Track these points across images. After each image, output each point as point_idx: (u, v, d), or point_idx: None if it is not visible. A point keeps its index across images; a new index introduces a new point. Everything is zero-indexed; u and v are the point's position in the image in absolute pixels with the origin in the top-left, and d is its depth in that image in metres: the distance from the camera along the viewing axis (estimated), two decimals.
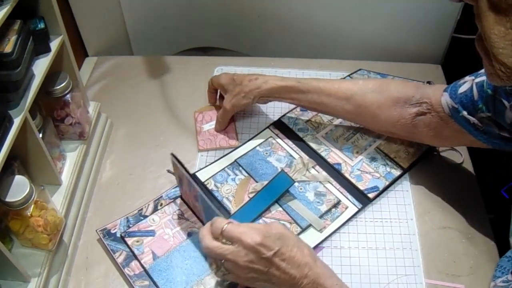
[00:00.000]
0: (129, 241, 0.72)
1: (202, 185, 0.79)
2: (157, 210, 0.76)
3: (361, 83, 0.77)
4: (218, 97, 0.92)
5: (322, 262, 0.60)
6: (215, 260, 0.61)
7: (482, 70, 0.67)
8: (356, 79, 0.79)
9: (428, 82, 0.96)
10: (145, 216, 0.75)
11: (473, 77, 0.68)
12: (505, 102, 0.61)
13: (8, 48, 0.56)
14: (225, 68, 1.01)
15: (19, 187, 0.59)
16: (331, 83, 0.78)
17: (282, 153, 0.84)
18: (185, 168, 0.68)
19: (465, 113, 0.67)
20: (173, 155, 0.70)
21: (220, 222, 0.60)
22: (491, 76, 0.48)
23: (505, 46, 0.44)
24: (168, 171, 0.80)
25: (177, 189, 0.79)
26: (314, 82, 0.79)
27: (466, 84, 0.68)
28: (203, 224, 0.74)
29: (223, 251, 0.58)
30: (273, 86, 0.80)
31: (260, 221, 0.74)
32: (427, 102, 0.72)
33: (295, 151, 0.84)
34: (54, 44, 0.68)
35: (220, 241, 0.59)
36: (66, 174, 0.74)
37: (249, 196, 0.77)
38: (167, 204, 0.77)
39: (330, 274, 0.59)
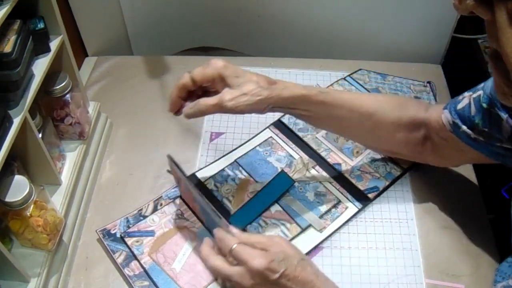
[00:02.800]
0: (129, 241, 0.72)
1: (201, 185, 0.79)
2: (157, 210, 0.76)
3: (382, 99, 0.72)
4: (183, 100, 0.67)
5: (324, 276, 0.61)
6: (223, 280, 0.62)
7: (480, 85, 0.66)
8: (375, 94, 0.72)
9: (428, 82, 0.96)
10: (145, 216, 0.75)
11: (471, 93, 0.67)
12: (502, 114, 0.60)
13: (7, 48, 0.56)
14: None
15: (19, 187, 0.59)
16: (354, 96, 0.70)
17: (282, 153, 0.84)
18: (181, 170, 0.68)
19: (464, 127, 0.65)
20: (169, 156, 0.69)
21: (230, 240, 0.61)
22: (504, 96, 0.44)
23: None
24: (168, 171, 0.80)
25: (177, 189, 0.79)
26: (337, 93, 0.69)
27: (465, 100, 0.67)
28: (203, 224, 0.74)
29: (230, 272, 0.59)
30: (295, 93, 0.65)
31: (260, 221, 0.74)
32: (429, 123, 0.71)
33: (295, 151, 0.84)
34: (54, 44, 0.67)
35: (227, 259, 0.60)
36: (66, 174, 0.74)
37: (249, 196, 0.77)
38: (167, 204, 0.77)
39: None
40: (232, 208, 0.76)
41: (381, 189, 0.79)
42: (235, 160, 0.83)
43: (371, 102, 0.70)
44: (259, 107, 0.64)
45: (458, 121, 0.66)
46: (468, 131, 0.65)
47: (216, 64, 0.64)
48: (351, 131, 0.73)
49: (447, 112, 0.68)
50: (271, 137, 0.87)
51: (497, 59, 0.41)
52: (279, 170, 0.81)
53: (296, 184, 0.79)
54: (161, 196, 0.78)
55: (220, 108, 0.62)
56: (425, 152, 0.74)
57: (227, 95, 0.62)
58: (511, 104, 0.44)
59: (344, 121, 0.69)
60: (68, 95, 0.73)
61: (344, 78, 0.97)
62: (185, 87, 0.65)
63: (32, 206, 0.60)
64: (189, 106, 0.64)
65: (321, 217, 0.75)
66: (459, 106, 0.67)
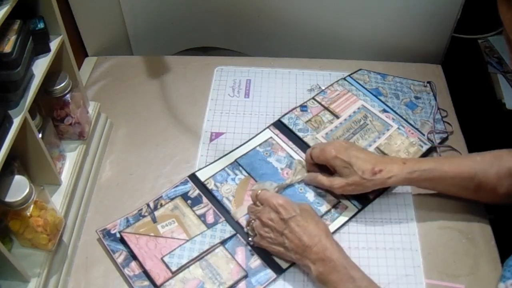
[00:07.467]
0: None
1: (201, 185, 0.79)
2: (157, 210, 0.76)
3: (479, 159, 0.73)
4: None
5: (334, 239, 0.66)
6: (249, 222, 0.71)
7: None
8: (471, 156, 0.74)
9: (428, 82, 0.96)
10: (145, 216, 0.75)
11: None
12: None
13: (7, 48, 0.56)
14: (225, 68, 1.01)
15: (19, 187, 0.59)
16: (453, 165, 0.72)
17: (282, 154, 0.84)
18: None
19: None
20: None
21: (256, 188, 0.73)
22: None
23: None
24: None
25: (177, 189, 0.79)
26: (438, 166, 0.72)
27: None
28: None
29: (255, 209, 0.70)
30: (399, 181, 0.72)
31: None
32: None
33: (295, 152, 0.84)
34: (54, 44, 0.68)
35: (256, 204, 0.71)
36: (66, 174, 0.74)
37: (249, 196, 0.77)
38: (166, 204, 0.77)
39: (338, 249, 0.64)
40: (232, 208, 0.76)
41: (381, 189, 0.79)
42: (235, 160, 0.83)
43: (469, 166, 0.72)
44: (364, 193, 0.75)
45: None
46: None
47: (330, 153, 0.74)
48: (456, 194, 0.76)
49: None
50: (271, 137, 0.87)
51: (509, 38, 0.49)
52: (279, 170, 0.81)
53: (296, 184, 0.79)
54: (161, 196, 0.78)
55: (331, 189, 0.76)
56: None
57: (336, 183, 0.74)
58: None
59: (449, 187, 0.74)
60: (68, 95, 0.73)
61: (344, 78, 0.97)
62: (308, 162, 0.80)
63: (32, 206, 0.60)
64: (309, 177, 0.78)
65: (321, 217, 0.75)
66: None
